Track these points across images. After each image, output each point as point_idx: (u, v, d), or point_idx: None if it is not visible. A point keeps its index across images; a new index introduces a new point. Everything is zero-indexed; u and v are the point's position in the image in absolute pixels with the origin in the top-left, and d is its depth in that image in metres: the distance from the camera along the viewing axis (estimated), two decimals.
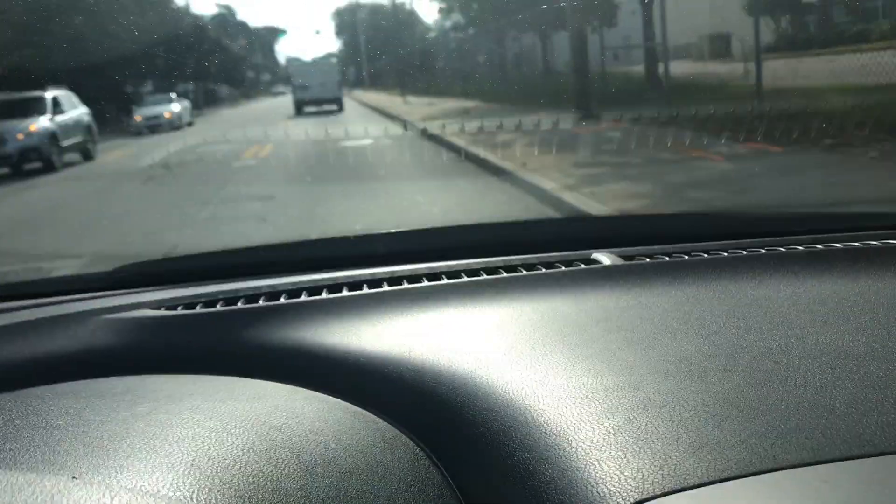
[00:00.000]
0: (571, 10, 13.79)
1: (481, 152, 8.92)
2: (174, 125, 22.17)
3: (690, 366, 0.97)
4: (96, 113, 15.80)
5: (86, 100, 14.60)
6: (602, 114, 11.00)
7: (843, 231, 1.63)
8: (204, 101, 55.27)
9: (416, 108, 20.88)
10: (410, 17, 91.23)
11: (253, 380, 1.07)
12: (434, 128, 11.19)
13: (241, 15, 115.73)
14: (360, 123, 16.48)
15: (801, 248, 1.50)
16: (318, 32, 79.27)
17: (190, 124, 25.54)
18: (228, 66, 56.06)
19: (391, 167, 9.23)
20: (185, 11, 42.10)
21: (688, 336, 1.07)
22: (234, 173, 10.44)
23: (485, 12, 27.75)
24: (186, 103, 26.33)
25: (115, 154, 15.44)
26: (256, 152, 11.96)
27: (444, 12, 39.35)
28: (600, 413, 0.88)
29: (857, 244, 1.49)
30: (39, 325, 1.31)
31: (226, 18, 72.31)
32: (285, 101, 35.36)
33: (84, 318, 1.32)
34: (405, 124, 13.85)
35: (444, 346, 1.11)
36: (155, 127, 20.93)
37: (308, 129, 13.80)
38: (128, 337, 1.26)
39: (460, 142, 9.76)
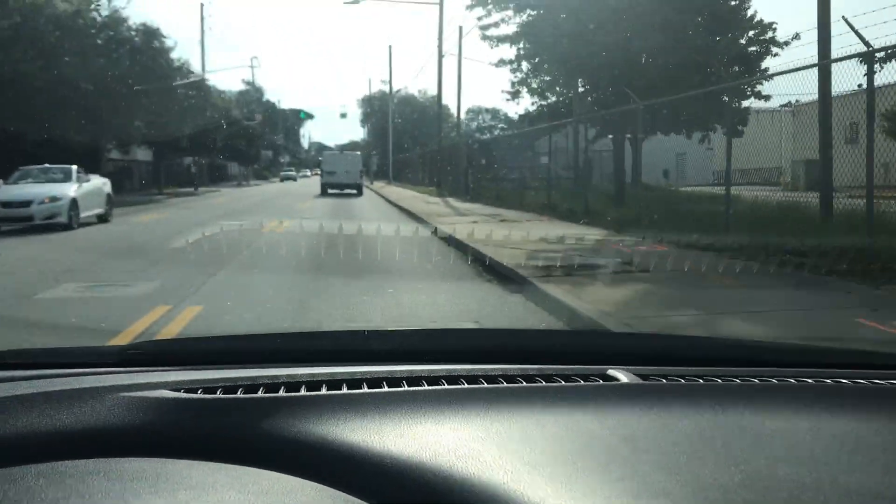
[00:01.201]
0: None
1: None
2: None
3: (728, 495, 0.98)
4: None
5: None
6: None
7: (846, 367, 1.69)
8: (210, 178, 48.72)
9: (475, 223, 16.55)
10: (444, 112, 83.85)
11: (278, 474, 1.07)
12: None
13: (271, 95, 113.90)
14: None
15: (811, 381, 1.52)
16: (343, 116, 73.68)
17: (103, 218, 18.02)
18: (240, 143, 49.75)
19: None
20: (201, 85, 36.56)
21: (717, 463, 1.07)
22: None
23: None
24: (98, 183, 18.45)
25: None
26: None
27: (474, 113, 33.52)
28: None
29: (864, 382, 1.54)
30: (57, 397, 1.27)
31: (250, 96, 66.26)
32: (297, 187, 36.37)
33: (101, 394, 1.28)
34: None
35: (468, 454, 1.08)
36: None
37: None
38: (146, 417, 1.23)
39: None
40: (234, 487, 1.01)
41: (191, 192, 38.99)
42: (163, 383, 1.35)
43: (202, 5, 56.36)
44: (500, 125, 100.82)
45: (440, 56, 34.17)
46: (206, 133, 38.80)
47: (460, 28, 36.45)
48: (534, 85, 26.52)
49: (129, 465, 1.08)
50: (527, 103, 26.72)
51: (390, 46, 63.85)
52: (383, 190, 41.85)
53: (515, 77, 26.90)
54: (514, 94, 26.42)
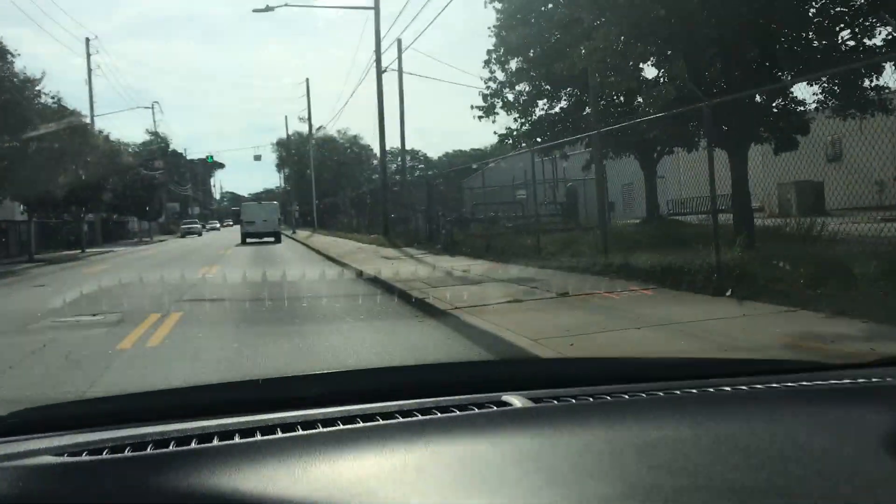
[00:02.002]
0: None
1: None
2: None
3: (610, 503, 1.04)
4: None
5: None
6: None
7: (727, 375, 1.81)
8: (105, 236, 40.47)
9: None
10: (365, 153, 76.60)
11: None
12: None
13: (178, 145, 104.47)
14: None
15: (694, 391, 1.62)
16: (257, 158, 66.67)
17: None
18: (140, 195, 41.93)
19: None
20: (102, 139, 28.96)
21: (604, 477, 1.13)
22: None
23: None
24: None
25: None
26: None
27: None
28: None
29: (744, 388, 1.66)
30: None
31: (154, 145, 57.62)
32: (202, 244, 30.25)
33: None
34: None
35: (363, 492, 1.10)
36: None
37: None
38: (28, 486, 1.17)
39: None
40: None
41: (74, 256, 31.17)
42: (45, 449, 1.31)
43: (87, 39, 48.49)
44: (419, 166, 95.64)
45: (379, 68, 27.88)
46: (95, 185, 32.11)
47: (399, 41, 30.23)
48: (510, 98, 20.69)
49: None
50: (502, 122, 20.68)
51: (308, 79, 57.69)
52: (312, 240, 34.95)
53: (487, 89, 21.03)
54: (488, 110, 20.44)
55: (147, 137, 76.63)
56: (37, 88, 26.32)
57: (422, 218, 24.43)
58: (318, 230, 51.65)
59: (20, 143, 24.39)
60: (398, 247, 22.90)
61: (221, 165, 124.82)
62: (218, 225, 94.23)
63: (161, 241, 52.82)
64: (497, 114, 20.25)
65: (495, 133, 20.90)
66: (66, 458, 1.26)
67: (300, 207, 71.67)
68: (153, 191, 55.54)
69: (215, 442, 1.32)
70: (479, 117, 20.24)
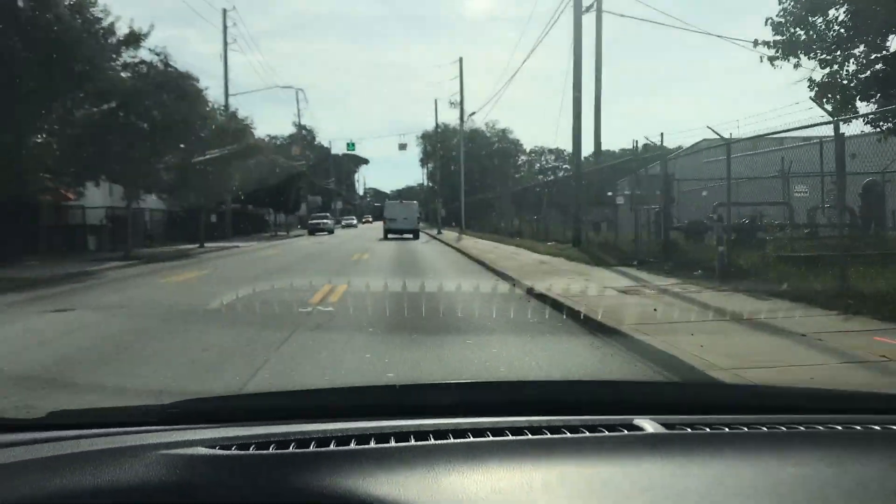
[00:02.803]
0: None
1: None
2: None
3: None
4: None
5: None
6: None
7: (878, 412, 1.67)
8: (234, 229, 36.36)
9: None
10: (515, 147, 67.43)
11: None
12: None
13: (324, 139, 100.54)
14: None
15: (839, 427, 1.52)
16: (402, 147, 60.48)
17: None
18: (278, 186, 37.39)
19: None
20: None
21: None
22: None
23: None
24: None
25: None
26: None
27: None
28: None
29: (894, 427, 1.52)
30: (99, 457, 1.32)
31: (301, 139, 52.67)
32: (332, 246, 27.43)
33: (141, 453, 1.32)
34: None
35: None
36: None
37: None
38: (182, 475, 1.25)
39: None
40: None
41: (184, 253, 25.82)
42: (199, 441, 1.39)
43: (224, 10, 43.94)
44: (563, 166, 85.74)
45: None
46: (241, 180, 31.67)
47: None
48: (822, 26, 12.48)
49: None
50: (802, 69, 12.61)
51: (461, 58, 50.54)
52: (465, 245, 27.73)
53: (782, 13, 12.94)
54: (787, 47, 12.28)
55: (292, 130, 73.06)
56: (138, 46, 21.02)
57: (636, 221, 16.54)
58: (466, 231, 44.55)
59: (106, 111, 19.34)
60: (608, 265, 15.19)
61: (365, 161, 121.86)
62: (354, 221, 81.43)
63: (298, 236, 47.54)
64: (799, 57, 12.12)
65: (811, 84, 12.31)
66: (217, 451, 1.34)
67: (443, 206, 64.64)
68: (291, 181, 50.58)
69: (352, 445, 1.37)
70: (772, 59, 12.27)
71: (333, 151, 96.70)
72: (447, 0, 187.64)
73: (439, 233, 44.94)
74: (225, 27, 42.82)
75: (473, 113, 61.28)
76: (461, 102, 50.42)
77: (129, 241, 22.72)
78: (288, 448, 1.35)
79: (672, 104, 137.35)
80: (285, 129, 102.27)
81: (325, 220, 53.72)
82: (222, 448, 1.34)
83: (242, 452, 1.33)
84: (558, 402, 1.66)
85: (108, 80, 19.63)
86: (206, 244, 30.84)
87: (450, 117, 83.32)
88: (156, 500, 1.19)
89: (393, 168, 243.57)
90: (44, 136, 20.52)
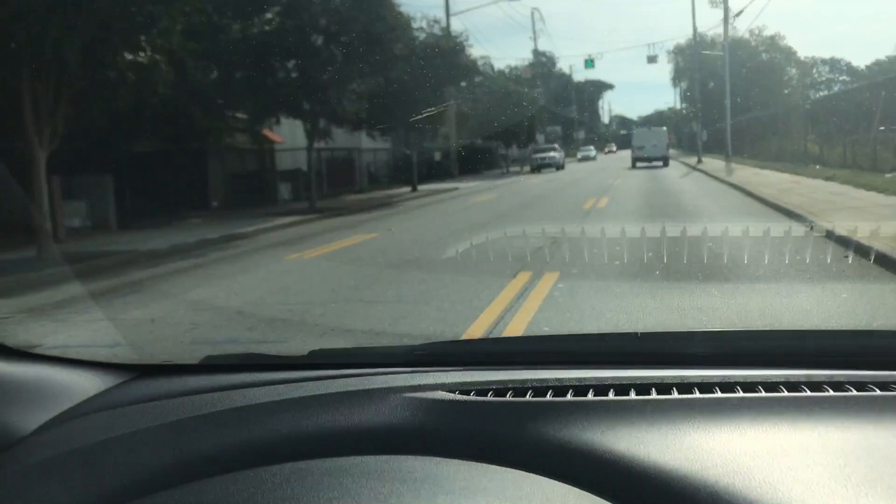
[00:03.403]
0: None
1: None
2: None
3: None
4: None
5: None
6: None
7: None
8: (461, 168, 32.56)
9: None
10: (784, 56, 57.85)
11: (542, 478, 1.08)
12: None
13: (564, 65, 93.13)
14: None
15: None
16: (652, 60, 52.31)
17: None
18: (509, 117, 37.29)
19: None
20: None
21: None
22: None
23: None
24: None
25: None
26: None
27: None
28: None
29: None
30: (348, 398, 1.38)
31: (542, 67, 47.90)
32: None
33: (387, 395, 1.37)
34: None
35: (739, 469, 1.03)
36: None
37: None
38: (424, 418, 1.30)
39: None
40: (494, 493, 1.03)
41: (385, 201, 21.76)
42: (440, 384, 1.41)
43: None
44: (840, 78, 70.06)
45: None
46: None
47: None
48: None
49: (403, 464, 1.14)
50: None
51: None
52: (744, 179, 20.36)
53: None
54: None
55: (530, 58, 67.19)
56: None
57: None
58: (734, 159, 36.02)
59: None
60: None
61: (610, 86, 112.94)
62: (592, 152, 66.61)
63: (529, 174, 42.07)
64: None
65: None
66: (457, 396, 1.37)
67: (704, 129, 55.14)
68: (523, 110, 45.03)
69: (590, 396, 1.33)
70: None
71: (575, 79, 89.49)
72: None
73: (699, 161, 36.99)
74: None
75: (740, 12, 50.77)
76: None
77: (312, 191, 18.92)
78: (525, 396, 1.35)
79: None
80: (522, 59, 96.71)
81: (550, 154, 46.59)
82: (462, 393, 1.37)
83: (480, 398, 1.35)
84: (817, 355, 1.48)
85: None
86: (420, 187, 26.76)
87: (707, 23, 71.63)
88: (397, 441, 1.22)
89: (640, 92, 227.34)
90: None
